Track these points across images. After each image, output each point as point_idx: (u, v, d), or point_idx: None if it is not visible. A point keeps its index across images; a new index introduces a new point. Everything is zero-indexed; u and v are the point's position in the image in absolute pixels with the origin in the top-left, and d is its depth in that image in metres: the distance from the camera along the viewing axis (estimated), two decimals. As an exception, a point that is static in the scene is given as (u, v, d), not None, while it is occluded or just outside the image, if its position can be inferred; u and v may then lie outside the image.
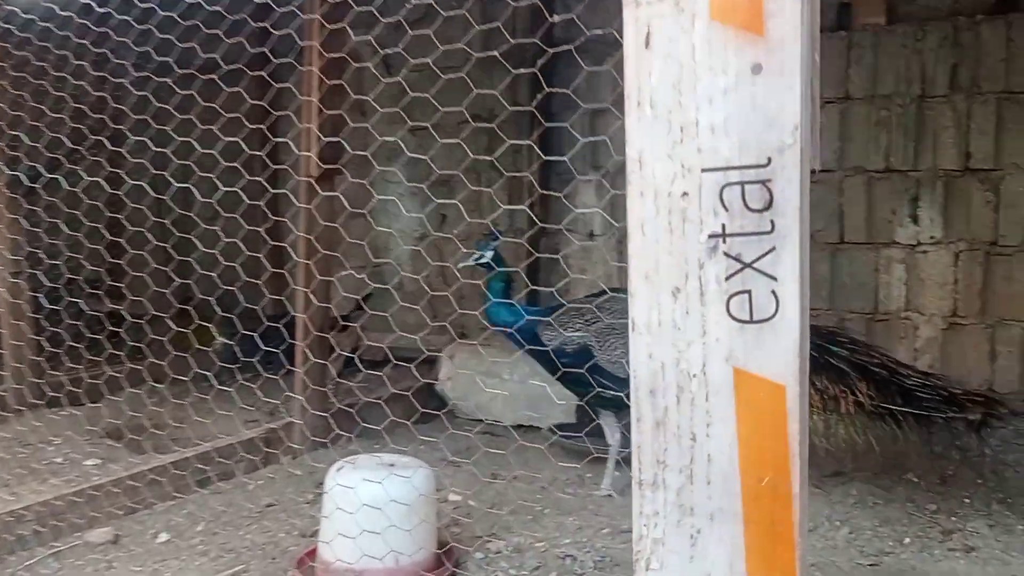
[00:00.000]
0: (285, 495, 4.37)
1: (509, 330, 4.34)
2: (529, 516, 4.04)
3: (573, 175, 6.94)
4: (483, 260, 4.38)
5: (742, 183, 1.22)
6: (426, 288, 7.55)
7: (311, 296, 4.83)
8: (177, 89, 4.55)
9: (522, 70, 6.29)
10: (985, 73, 5.52)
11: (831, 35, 5.88)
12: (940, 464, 4.52)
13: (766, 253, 1.22)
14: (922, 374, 4.15)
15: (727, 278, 1.23)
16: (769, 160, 1.21)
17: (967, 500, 3.99)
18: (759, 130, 1.20)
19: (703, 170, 1.24)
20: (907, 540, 3.59)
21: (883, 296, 5.88)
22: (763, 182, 1.21)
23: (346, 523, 3.12)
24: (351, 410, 4.86)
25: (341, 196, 5.06)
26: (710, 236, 1.24)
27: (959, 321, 5.67)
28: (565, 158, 6.16)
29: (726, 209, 1.23)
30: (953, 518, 3.80)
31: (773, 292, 1.21)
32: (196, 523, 4.01)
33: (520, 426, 5.54)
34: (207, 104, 4.62)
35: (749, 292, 1.22)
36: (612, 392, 3.82)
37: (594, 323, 4.24)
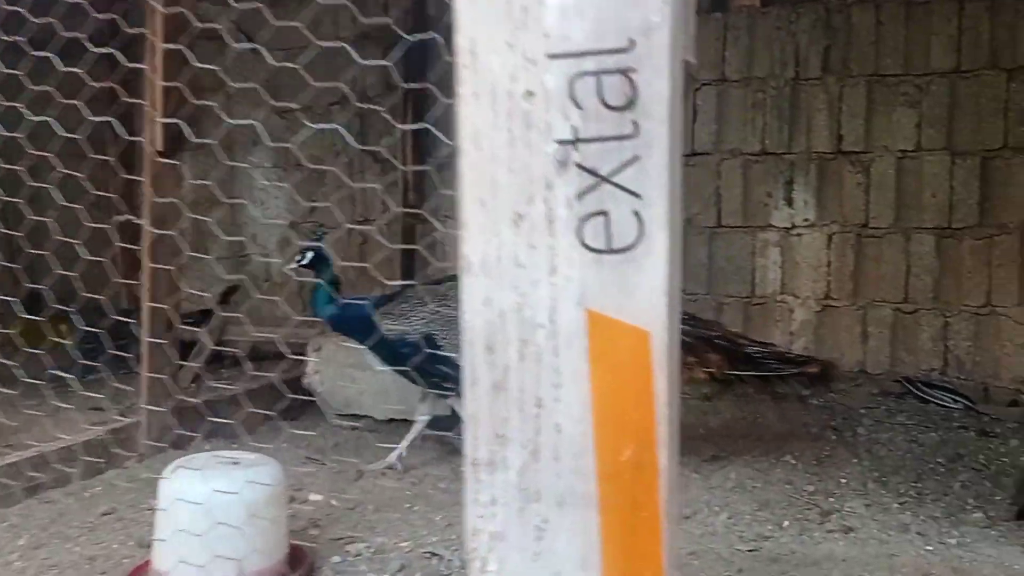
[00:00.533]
0: (124, 502, 3.93)
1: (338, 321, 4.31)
2: (396, 514, 3.75)
3: (449, 160, 6.67)
4: (304, 262, 4.35)
5: (599, 73, 0.96)
6: (295, 279, 7.18)
7: (156, 287, 4.41)
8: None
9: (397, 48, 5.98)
10: (856, 56, 5.54)
11: (708, 16, 5.81)
12: (817, 445, 4.46)
13: (627, 163, 0.97)
14: (759, 343, 4.48)
15: (579, 197, 0.98)
16: (631, 43, 0.96)
17: (844, 480, 3.93)
18: (619, 7, 0.96)
19: (550, 56, 0.99)
20: (786, 523, 3.48)
21: (759, 280, 5.85)
22: (624, 71, 0.96)
23: (181, 529, 2.76)
24: (208, 408, 4.47)
25: (211, 182, 4.64)
26: (559, 143, 0.98)
27: (832, 303, 5.68)
28: (433, 128, 5.89)
29: (579, 108, 0.97)
30: (831, 499, 3.72)
31: (636, 214, 0.96)
32: (17, 536, 3.55)
33: (392, 420, 5.24)
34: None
35: (606, 214, 0.97)
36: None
37: (440, 310, 4.09)
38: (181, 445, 4.53)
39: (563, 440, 0.96)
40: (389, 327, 4.16)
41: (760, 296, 5.81)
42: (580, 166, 0.97)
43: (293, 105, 7.14)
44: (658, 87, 0.94)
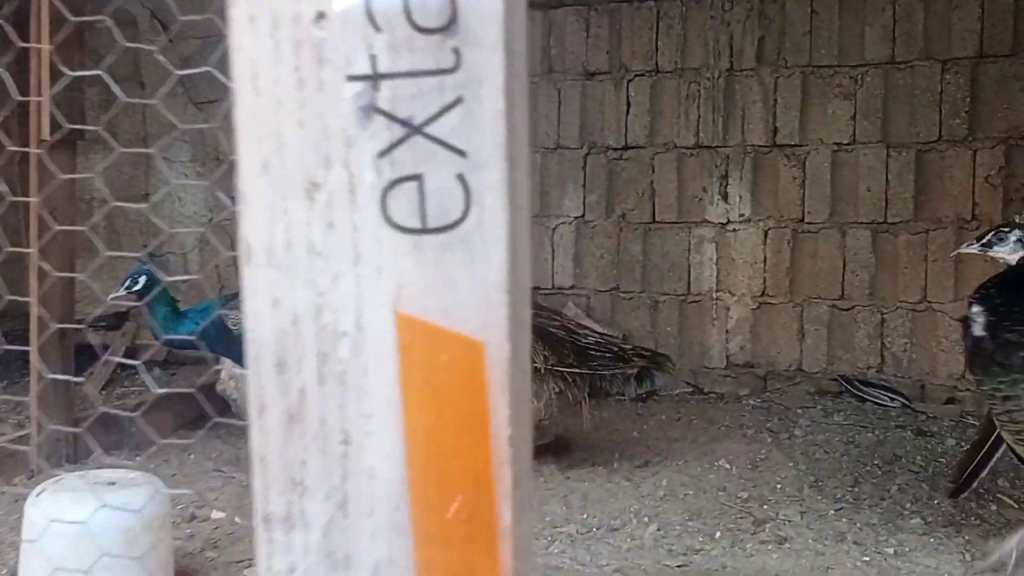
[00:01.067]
0: (7, 524, 3.60)
1: (192, 338, 3.90)
2: (305, 532, 3.48)
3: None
4: (135, 288, 4.00)
5: (408, -17, 0.71)
6: (217, 279, 6.84)
7: (46, 288, 4.06)
8: None
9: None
10: (790, 47, 5.40)
11: (639, 5, 5.63)
12: (752, 448, 4.30)
13: (447, 108, 0.71)
14: (599, 334, 4.33)
15: (384, 155, 0.72)
16: (446, -63, 0.71)
17: (779, 486, 3.77)
18: None
19: (342, -41, 0.73)
20: (718, 534, 3.29)
21: (695, 277, 5.69)
22: (440, -22, 0.71)
23: (44, 560, 2.46)
24: (112, 419, 4.15)
25: (98, 177, 4.29)
26: (357, 81, 0.72)
27: (769, 301, 5.54)
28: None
29: (379, 31, 0.72)
30: (765, 506, 3.55)
31: (461, 179, 0.70)
32: None
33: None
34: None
35: (420, 179, 0.71)
36: None
37: None
38: (79, 460, 4.20)
39: (378, 488, 0.71)
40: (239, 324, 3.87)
41: (696, 294, 5.65)
42: (384, 112, 0.71)
43: (211, 97, 6.82)
44: (487, 1, 0.69)
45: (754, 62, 5.47)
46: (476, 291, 0.70)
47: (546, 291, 6.05)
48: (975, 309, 2.63)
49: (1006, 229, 2.75)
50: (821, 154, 5.39)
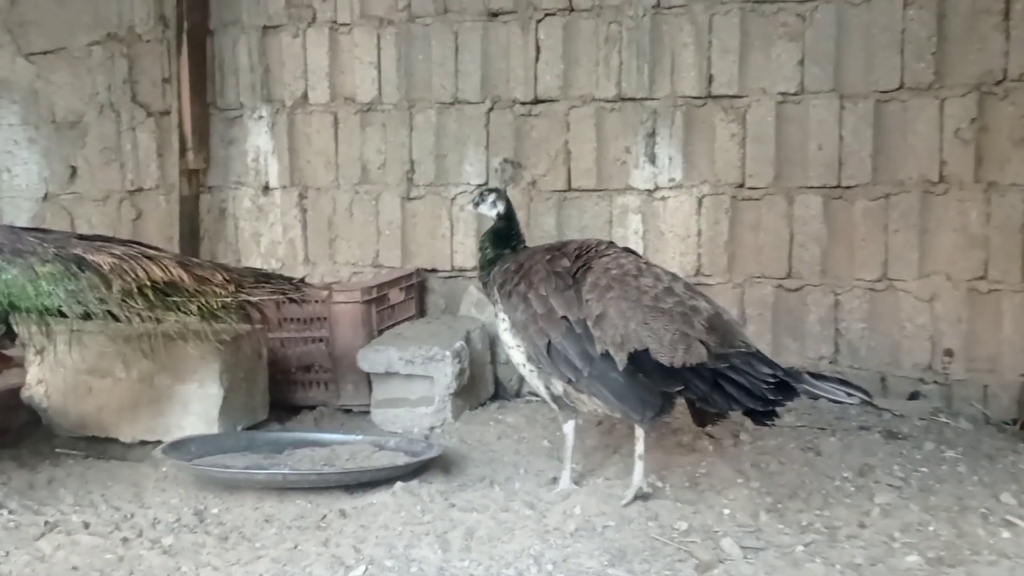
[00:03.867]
0: None
1: None
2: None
3: (239, 111, 5.35)
4: None
5: None
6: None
7: None
8: None
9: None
10: (727, -22, 4.55)
11: (550, -71, 4.73)
12: (690, 460, 3.42)
13: None
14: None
15: None
16: None
17: (727, 511, 2.87)
18: None
19: None
20: (648, 586, 2.38)
21: (618, 254, 4.79)
22: None
23: None
24: None
25: None
26: None
27: (704, 280, 4.68)
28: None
29: None
30: (710, 541, 2.65)
31: None
32: None
33: (144, 443, 3.92)
34: None
35: None
36: None
37: None
38: None
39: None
40: None
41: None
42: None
43: (44, 47, 5.69)
44: None
45: (678, -3, 4.61)
46: None
47: (445, 273, 5.10)
48: None
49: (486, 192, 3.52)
50: (764, 106, 4.55)
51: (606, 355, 2.81)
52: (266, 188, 5.36)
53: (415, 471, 3.44)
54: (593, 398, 2.93)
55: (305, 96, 5.22)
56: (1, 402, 4.11)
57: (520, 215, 4.85)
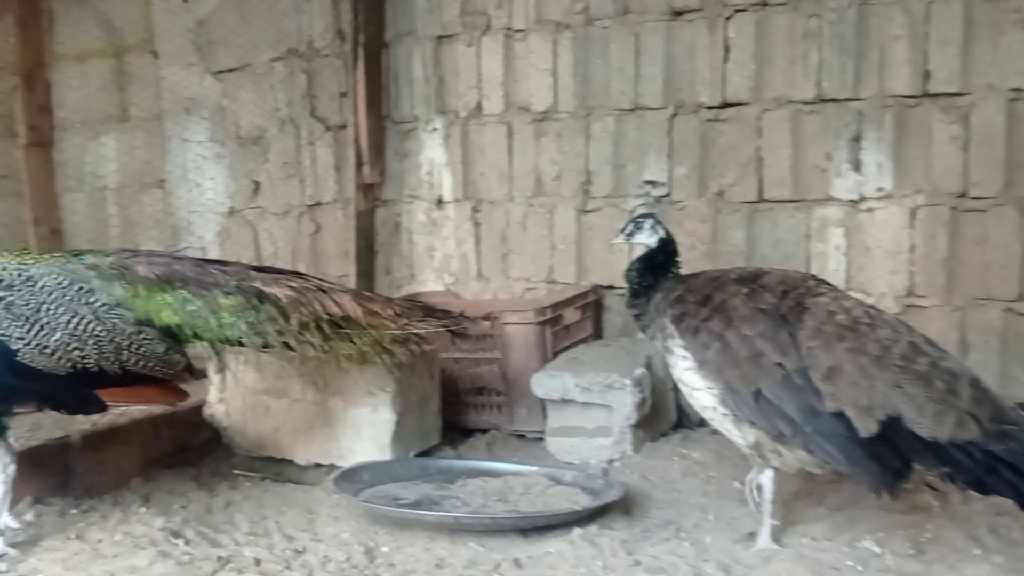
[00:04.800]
0: None
1: None
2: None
3: (414, 123, 5.27)
4: None
5: None
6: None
7: None
8: None
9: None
10: (948, -41, 4.01)
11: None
12: (914, 521, 2.96)
13: None
14: None
15: None
16: None
17: (964, 592, 2.44)
18: None
19: None
20: None
21: (816, 271, 4.33)
22: None
23: None
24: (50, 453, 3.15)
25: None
26: None
27: (918, 302, 4.17)
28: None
29: None
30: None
31: None
32: None
33: (318, 465, 3.87)
34: None
35: None
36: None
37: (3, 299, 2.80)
38: None
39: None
40: None
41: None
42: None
43: (230, 65, 5.83)
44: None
45: (897, -16, 4.10)
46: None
47: (623, 291, 4.80)
48: None
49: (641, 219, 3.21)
50: (991, 104, 3.99)
51: (839, 415, 2.48)
52: (440, 201, 5.24)
53: (594, 513, 3.19)
54: (804, 453, 2.60)
55: (479, 106, 5.06)
56: (185, 419, 4.17)
57: (705, 229, 4.55)
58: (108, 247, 6.13)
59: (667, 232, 3.18)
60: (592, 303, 4.76)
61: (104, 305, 2.88)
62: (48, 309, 2.80)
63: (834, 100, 4.26)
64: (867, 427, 2.43)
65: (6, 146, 6.44)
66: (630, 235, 3.20)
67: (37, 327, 2.77)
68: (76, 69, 6.32)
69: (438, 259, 5.29)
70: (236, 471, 3.92)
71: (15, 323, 2.75)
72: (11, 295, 2.79)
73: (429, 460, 3.93)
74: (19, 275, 2.84)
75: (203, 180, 6.00)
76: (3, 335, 2.74)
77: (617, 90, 4.71)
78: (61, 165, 6.45)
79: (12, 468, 2.99)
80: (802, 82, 4.31)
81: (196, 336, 3.11)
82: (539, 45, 4.87)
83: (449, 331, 3.63)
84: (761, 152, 4.43)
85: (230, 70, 5.81)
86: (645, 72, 4.63)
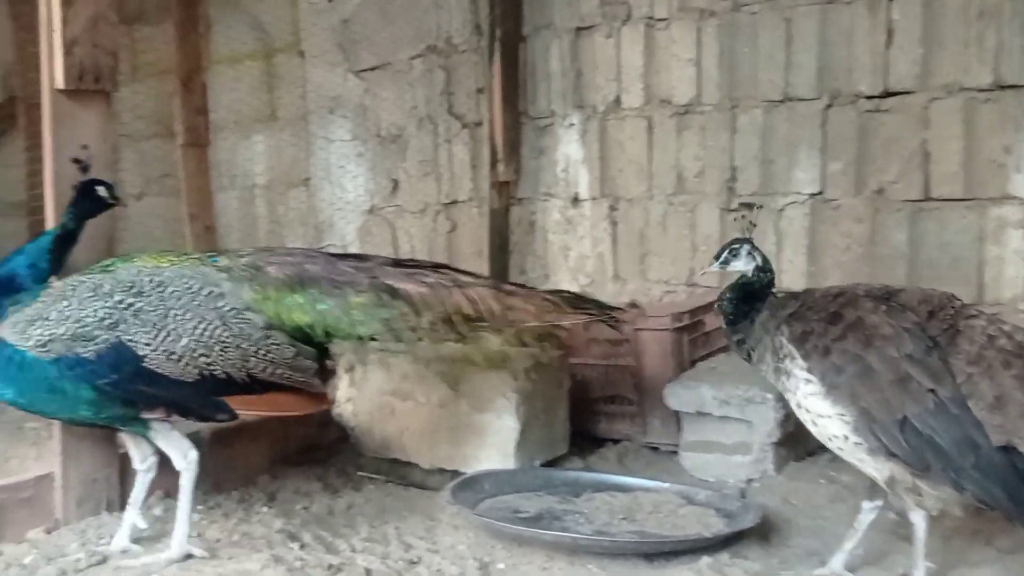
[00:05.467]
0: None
1: None
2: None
3: (550, 119, 5.12)
4: None
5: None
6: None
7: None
8: None
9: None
10: None
11: None
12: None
13: None
14: None
15: None
16: None
17: None
18: None
19: None
20: None
21: (991, 278, 3.91)
22: None
23: None
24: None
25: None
26: None
27: (1114, 315, 3.65)
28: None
29: None
30: None
31: None
32: None
33: (442, 471, 3.78)
34: None
35: None
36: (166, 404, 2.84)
37: (133, 305, 2.77)
38: (121, 506, 3.26)
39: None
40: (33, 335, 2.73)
41: (993, 302, 3.86)
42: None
43: (371, 63, 5.86)
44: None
45: (1093, -48, 3.61)
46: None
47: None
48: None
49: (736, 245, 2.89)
50: None
51: (1008, 448, 2.26)
52: (575, 199, 5.07)
53: (727, 538, 2.94)
54: (951, 490, 2.37)
55: (618, 100, 4.85)
56: (315, 417, 4.17)
57: (862, 229, 4.17)
58: (256, 244, 6.31)
59: (764, 259, 2.88)
60: (735, 308, 4.46)
61: (232, 310, 2.86)
62: (176, 315, 2.80)
63: (1014, 87, 3.80)
64: None
65: (167, 146, 6.74)
66: (725, 263, 2.88)
67: (164, 333, 2.78)
68: (230, 72, 6.53)
69: (573, 259, 5.12)
70: (360, 472, 3.89)
71: (143, 329, 2.77)
72: (140, 301, 2.81)
73: (555, 471, 3.77)
74: (150, 280, 2.86)
75: (345, 179, 6.07)
76: (130, 340, 2.77)
77: (766, 80, 4.38)
78: (215, 164, 6.68)
79: (152, 461, 3.03)
80: (977, 67, 3.87)
81: (328, 335, 3.06)
82: (682, 34, 4.61)
83: (603, 322, 3.38)
84: (928, 145, 4.01)
85: (371, 69, 5.84)
86: (797, 60, 4.29)
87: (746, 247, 2.89)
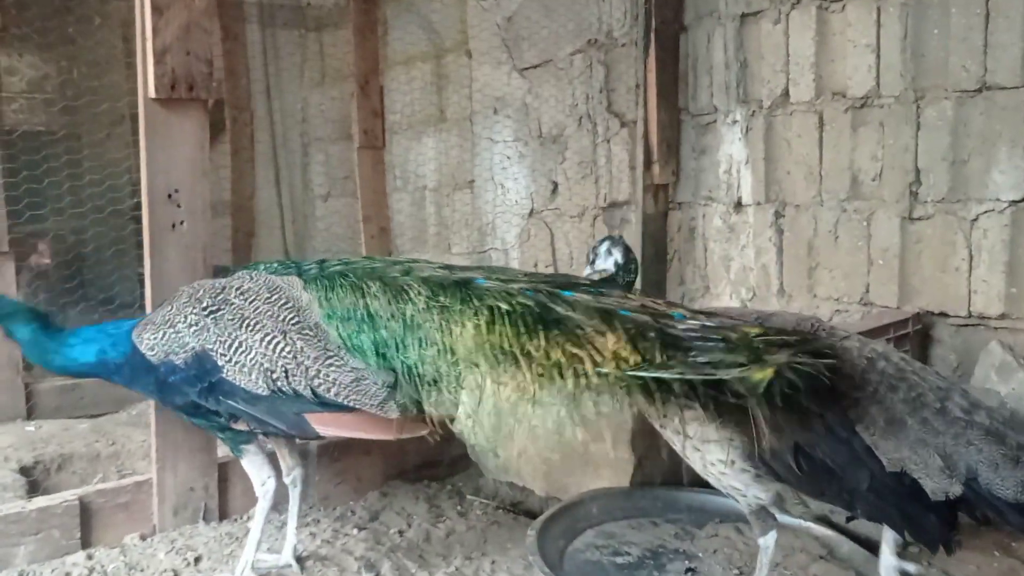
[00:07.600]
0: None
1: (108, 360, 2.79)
2: None
3: (712, 116, 4.67)
4: None
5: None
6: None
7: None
8: None
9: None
10: None
11: None
12: None
13: None
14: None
15: None
16: None
17: None
18: None
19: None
20: None
21: None
22: None
23: None
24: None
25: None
26: None
27: None
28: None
29: None
30: None
31: None
32: None
33: (557, 500, 3.50)
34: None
35: None
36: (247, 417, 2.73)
37: (217, 312, 2.71)
38: (220, 516, 3.26)
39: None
40: (160, 340, 2.73)
41: None
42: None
43: (533, 61, 5.65)
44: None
45: None
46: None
47: (958, 320, 3.82)
48: None
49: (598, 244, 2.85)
50: None
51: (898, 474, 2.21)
52: (738, 204, 4.58)
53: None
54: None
55: (785, 93, 4.32)
56: (441, 433, 4.03)
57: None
58: (424, 247, 6.29)
59: (627, 258, 2.82)
60: (913, 333, 3.83)
61: (298, 323, 2.74)
62: (248, 325, 2.72)
63: None
64: (943, 489, 2.15)
65: (348, 149, 6.89)
66: (592, 263, 2.86)
67: (237, 343, 2.71)
68: (403, 74, 6.56)
69: (735, 271, 4.64)
70: (471, 496, 3.69)
71: (220, 338, 2.71)
72: (224, 309, 2.75)
73: (680, 492, 3.36)
74: (238, 287, 2.80)
75: (507, 181, 5.90)
76: (211, 349, 2.71)
77: (958, 66, 3.71)
78: (390, 166, 6.75)
79: (296, 474, 2.97)
80: None
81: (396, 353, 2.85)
82: (859, 16, 4.01)
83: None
84: None
85: (534, 66, 5.63)
86: (997, 41, 3.59)
87: (605, 244, 2.83)
